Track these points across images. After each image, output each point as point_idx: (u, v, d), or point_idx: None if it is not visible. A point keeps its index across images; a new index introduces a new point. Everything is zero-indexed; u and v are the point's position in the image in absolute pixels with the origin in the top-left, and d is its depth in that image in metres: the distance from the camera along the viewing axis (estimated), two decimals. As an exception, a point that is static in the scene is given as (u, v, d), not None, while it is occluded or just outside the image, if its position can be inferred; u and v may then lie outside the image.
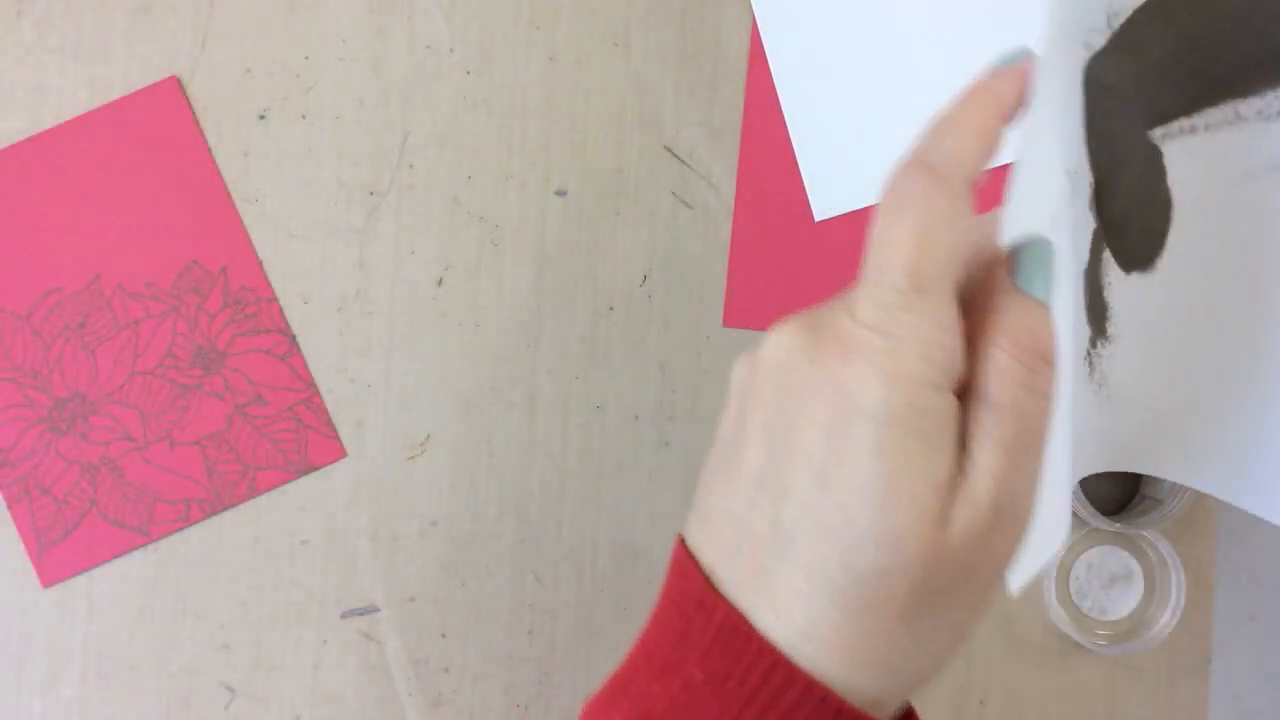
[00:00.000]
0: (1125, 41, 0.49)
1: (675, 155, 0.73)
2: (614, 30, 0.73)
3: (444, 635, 0.72)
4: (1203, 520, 0.72)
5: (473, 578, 0.72)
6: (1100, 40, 0.48)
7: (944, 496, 0.40)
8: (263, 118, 0.73)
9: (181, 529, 0.72)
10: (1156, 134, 0.51)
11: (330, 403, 0.72)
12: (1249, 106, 0.51)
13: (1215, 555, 0.72)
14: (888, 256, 0.41)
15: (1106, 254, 0.52)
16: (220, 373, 0.72)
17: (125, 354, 0.72)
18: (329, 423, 0.72)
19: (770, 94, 0.72)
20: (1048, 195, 0.43)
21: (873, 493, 0.40)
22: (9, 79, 0.72)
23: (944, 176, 0.41)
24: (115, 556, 0.72)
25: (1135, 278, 0.53)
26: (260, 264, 0.72)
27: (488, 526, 0.72)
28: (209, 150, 0.72)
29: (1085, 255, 0.49)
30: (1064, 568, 0.72)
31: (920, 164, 0.42)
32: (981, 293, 0.43)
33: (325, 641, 0.72)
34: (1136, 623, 0.72)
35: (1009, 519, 0.41)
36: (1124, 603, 0.72)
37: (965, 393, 0.41)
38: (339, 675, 0.72)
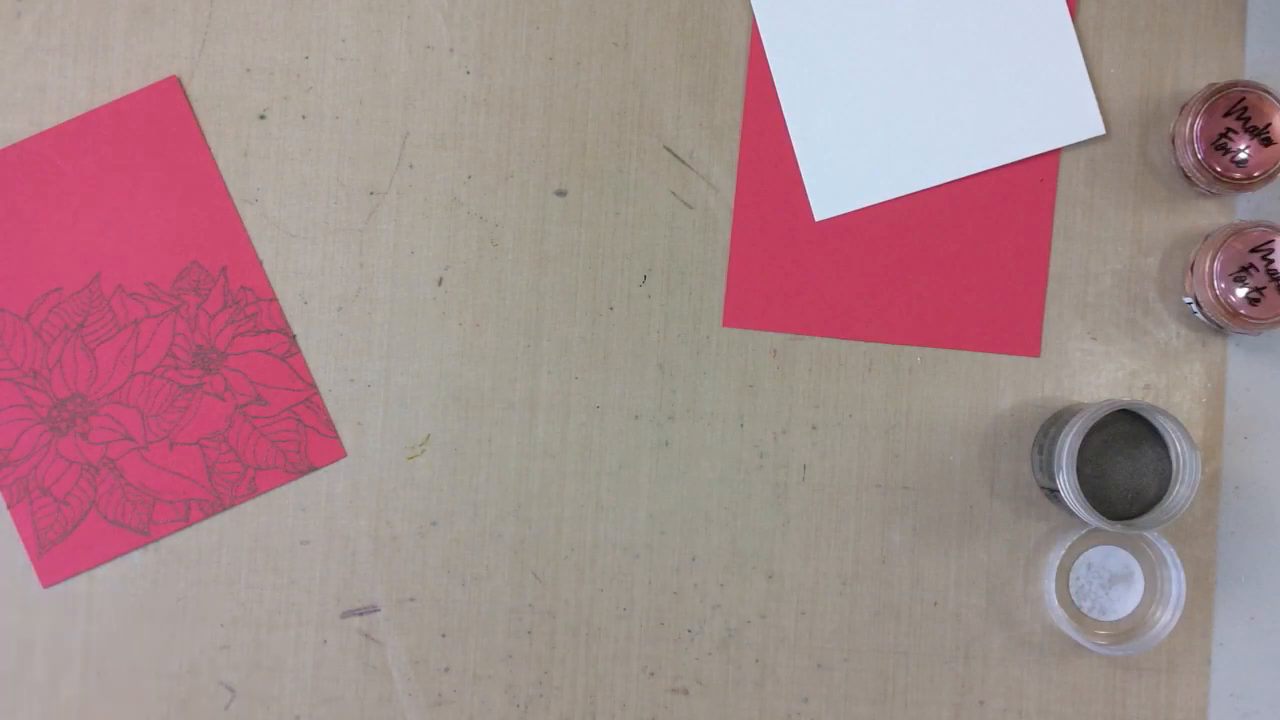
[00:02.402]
0: None
1: (675, 155, 0.73)
2: (614, 30, 0.73)
3: (444, 635, 0.72)
4: (1203, 520, 0.72)
5: (473, 578, 0.72)
6: None
7: None
8: (263, 118, 0.73)
9: (181, 529, 0.72)
10: None
11: (330, 403, 0.72)
12: None
13: (1215, 555, 0.72)
14: None
15: None
16: (220, 373, 0.72)
17: (125, 354, 0.72)
18: (329, 422, 0.72)
19: (770, 94, 0.72)
20: None
21: None
22: (9, 79, 0.72)
23: None
24: (115, 557, 0.72)
25: None
26: (260, 264, 0.72)
27: (488, 526, 0.72)
28: (209, 150, 0.72)
29: None
30: (1064, 568, 0.72)
31: None
32: None
33: (325, 641, 0.72)
34: (1136, 623, 0.72)
35: None
36: (1124, 603, 0.72)
37: None
38: (339, 675, 0.72)
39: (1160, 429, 0.68)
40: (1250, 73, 0.73)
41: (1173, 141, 0.71)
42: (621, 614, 0.72)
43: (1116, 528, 0.67)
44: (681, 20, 0.73)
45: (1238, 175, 0.69)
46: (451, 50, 0.73)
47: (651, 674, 0.72)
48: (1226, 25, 0.73)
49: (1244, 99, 0.69)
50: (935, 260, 0.72)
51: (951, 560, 0.72)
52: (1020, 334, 0.72)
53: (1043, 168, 0.72)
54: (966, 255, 0.72)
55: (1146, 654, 0.72)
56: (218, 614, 0.70)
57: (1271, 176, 0.69)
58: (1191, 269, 0.70)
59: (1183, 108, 0.71)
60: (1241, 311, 0.68)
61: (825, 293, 0.72)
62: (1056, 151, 0.72)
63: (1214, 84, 0.69)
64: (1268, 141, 0.69)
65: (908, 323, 0.72)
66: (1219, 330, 0.71)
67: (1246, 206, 0.73)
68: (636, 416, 0.72)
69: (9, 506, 0.71)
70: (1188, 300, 0.71)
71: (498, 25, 0.73)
